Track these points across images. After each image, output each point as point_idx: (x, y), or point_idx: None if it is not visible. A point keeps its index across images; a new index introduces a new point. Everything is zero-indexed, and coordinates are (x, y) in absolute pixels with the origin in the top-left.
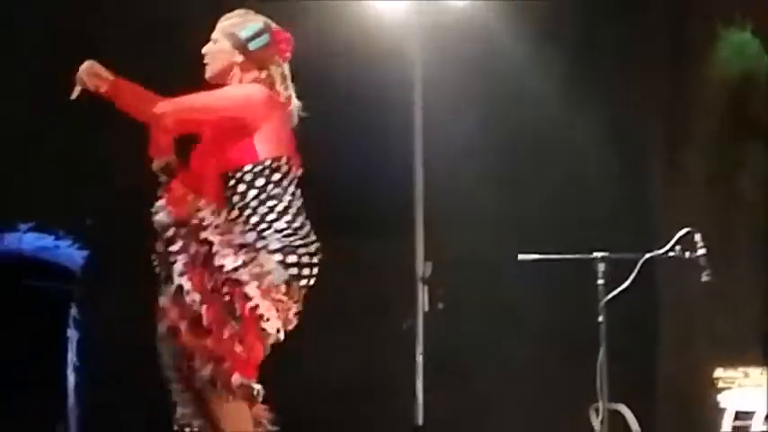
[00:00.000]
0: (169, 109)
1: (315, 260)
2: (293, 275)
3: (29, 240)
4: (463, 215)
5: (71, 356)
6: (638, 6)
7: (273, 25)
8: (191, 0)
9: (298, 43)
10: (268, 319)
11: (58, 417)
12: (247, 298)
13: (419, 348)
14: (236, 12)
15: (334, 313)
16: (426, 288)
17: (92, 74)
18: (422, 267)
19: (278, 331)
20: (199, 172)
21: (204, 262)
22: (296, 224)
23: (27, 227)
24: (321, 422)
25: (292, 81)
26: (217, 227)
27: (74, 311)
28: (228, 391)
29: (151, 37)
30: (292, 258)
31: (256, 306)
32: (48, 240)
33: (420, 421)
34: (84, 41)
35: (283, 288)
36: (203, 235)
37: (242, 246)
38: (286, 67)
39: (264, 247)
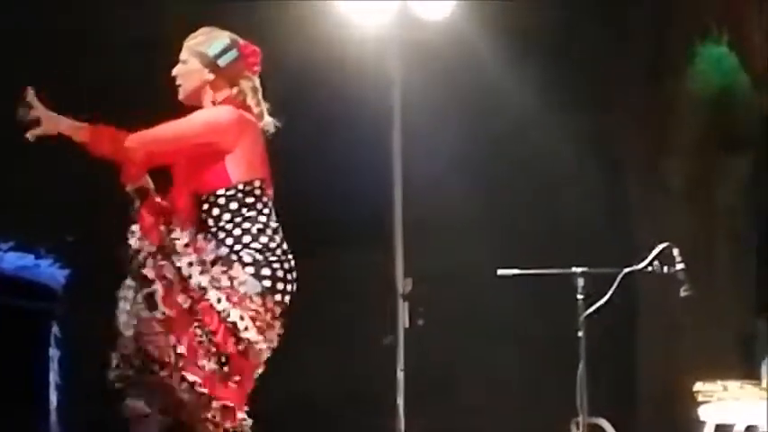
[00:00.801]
0: (139, 142)
1: (290, 276)
2: (267, 288)
3: (9, 260)
4: (443, 231)
5: (53, 375)
6: (617, 19)
7: (240, 40)
8: (164, 21)
9: (276, 59)
10: (246, 328)
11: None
12: (218, 311)
13: (400, 365)
14: (201, 30)
15: (315, 330)
16: (407, 304)
17: (51, 120)
18: (402, 283)
19: (258, 342)
20: (174, 194)
21: (179, 286)
22: (272, 244)
23: (7, 246)
24: None
25: (270, 97)
26: (188, 246)
27: (55, 330)
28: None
29: (125, 59)
30: (266, 271)
31: (227, 315)
32: (28, 259)
33: None
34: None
35: (258, 300)
36: (176, 261)
37: (214, 261)
38: (256, 81)
39: (238, 260)
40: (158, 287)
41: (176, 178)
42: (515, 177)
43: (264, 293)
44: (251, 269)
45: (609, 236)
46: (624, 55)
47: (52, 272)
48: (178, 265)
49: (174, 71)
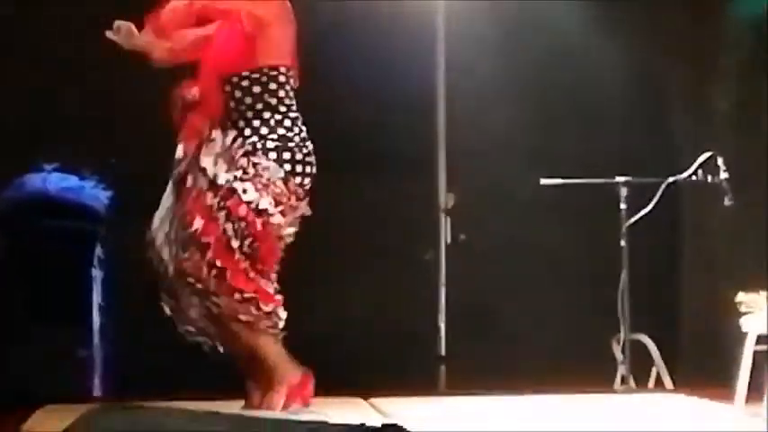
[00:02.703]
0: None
1: (309, 160)
2: (288, 172)
3: (53, 181)
4: (485, 146)
5: (95, 296)
6: None
7: None
8: None
9: None
10: (272, 214)
11: (83, 346)
12: (245, 200)
13: (441, 279)
14: None
15: (356, 244)
16: (448, 219)
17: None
18: (444, 198)
19: (282, 225)
20: (202, 78)
21: (208, 189)
22: (290, 134)
23: (52, 167)
24: (342, 352)
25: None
26: (216, 147)
27: (98, 251)
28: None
29: None
30: (287, 155)
31: (256, 204)
32: (72, 180)
33: (443, 351)
34: None
35: (280, 184)
36: (203, 161)
37: (243, 154)
38: None
39: (262, 147)
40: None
41: (205, 63)
42: (559, 90)
43: (287, 178)
44: (273, 155)
45: (652, 161)
46: None
47: (96, 193)
48: (203, 165)
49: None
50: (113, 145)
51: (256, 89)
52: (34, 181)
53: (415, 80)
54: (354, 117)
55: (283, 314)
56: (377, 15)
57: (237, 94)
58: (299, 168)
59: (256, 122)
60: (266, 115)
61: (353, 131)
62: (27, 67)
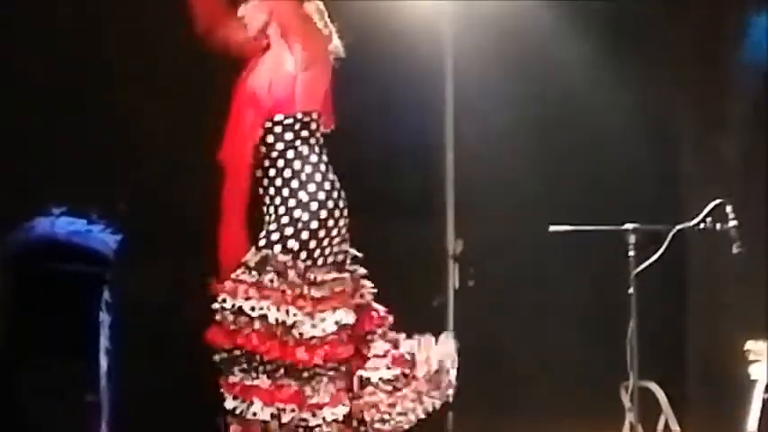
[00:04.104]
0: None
1: (341, 204)
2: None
3: (61, 225)
4: (494, 193)
5: (103, 340)
6: None
7: None
8: None
9: None
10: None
11: (90, 389)
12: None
13: (449, 325)
14: None
15: None
16: (457, 266)
17: None
18: (452, 245)
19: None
20: (249, 126)
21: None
22: (324, 188)
23: (60, 211)
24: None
25: None
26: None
27: (106, 295)
28: None
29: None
30: (323, 213)
31: None
32: (80, 224)
33: (450, 398)
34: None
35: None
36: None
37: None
38: (320, 3)
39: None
40: None
41: (244, 100)
42: (567, 138)
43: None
44: (305, 215)
45: (660, 206)
46: (679, 24)
47: (104, 237)
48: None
49: (240, 12)
50: (122, 189)
51: (288, 136)
52: (42, 225)
53: (423, 127)
54: (363, 163)
55: None
56: (385, 60)
57: (270, 138)
58: (332, 218)
59: (287, 173)
60: (297, 165)
61: (362, 177)
62: (34, 111)
